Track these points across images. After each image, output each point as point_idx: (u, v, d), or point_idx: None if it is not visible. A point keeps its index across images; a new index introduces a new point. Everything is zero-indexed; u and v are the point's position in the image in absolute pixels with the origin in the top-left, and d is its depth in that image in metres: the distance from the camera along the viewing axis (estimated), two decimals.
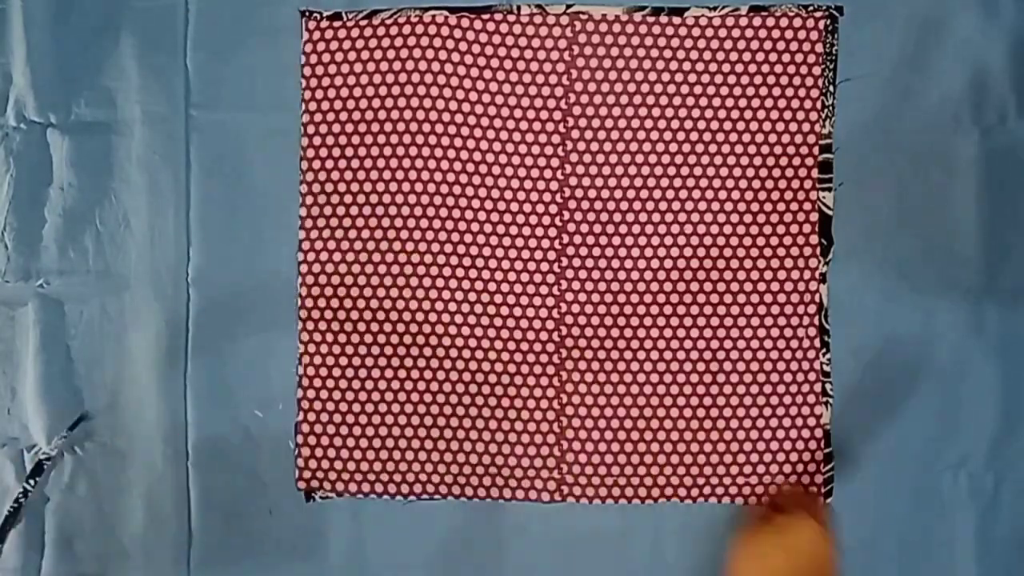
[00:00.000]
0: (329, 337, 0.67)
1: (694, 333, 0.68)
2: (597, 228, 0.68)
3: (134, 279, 0.69)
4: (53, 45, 0.70)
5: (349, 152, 0.67)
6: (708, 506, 0.68)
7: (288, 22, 0.68)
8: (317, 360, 0.68)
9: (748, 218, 0.67)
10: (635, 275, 0.67)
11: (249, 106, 0.69)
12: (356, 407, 0.67)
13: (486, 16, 0.67)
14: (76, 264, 0.70)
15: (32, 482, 0.68)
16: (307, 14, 0.68)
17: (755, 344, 0.68)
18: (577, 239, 0.68)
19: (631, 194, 0.67)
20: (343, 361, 0.67)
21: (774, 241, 0.68)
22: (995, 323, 0.69)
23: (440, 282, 0.67)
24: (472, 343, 0.67)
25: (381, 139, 0.67)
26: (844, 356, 0.68)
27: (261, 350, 0.69)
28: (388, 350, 0.67)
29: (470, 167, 0.67)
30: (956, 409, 0.69)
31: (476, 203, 0.67)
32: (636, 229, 0.68)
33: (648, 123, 0.67)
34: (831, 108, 0.68)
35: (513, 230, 0.67)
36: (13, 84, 0.70)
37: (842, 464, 0.68)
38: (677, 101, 0.67)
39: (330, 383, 0.67)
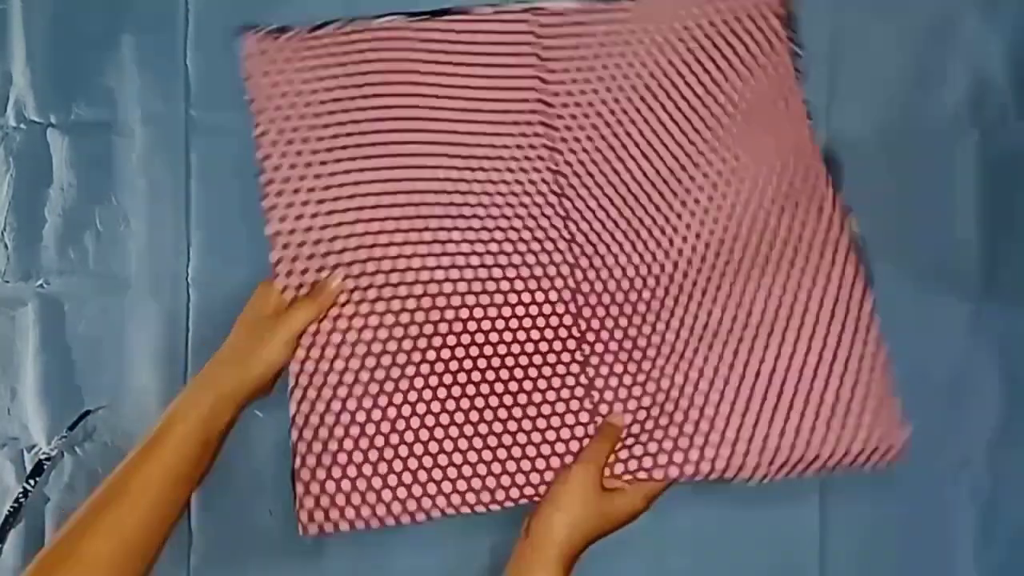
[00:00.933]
0: (322, 345, 0.62)
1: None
2: (601, 214, 0.66)
3: (134, 279, 0.69)
4: (53, 45, 0.70)
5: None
6: (708, 506, 0.68)
7: (289, 22, 0.68)
8: (316, 352, 0.60)
9: None
10: (643, 269, 0.65)
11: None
12: (361, 415, 0.59)
13: (446, 18, 0.65)
14: (76, 264, 0.70)
15: (32, 482, 0.68)
16: (248, 28, 0.63)
17: None
18: (584, 226, 0.65)
19: (627, 178, 0.66)
20: (340, 365, 0.64)
21: None
22: (995, 323, 0.69)
23: (448, 287, 0.62)
24: (488, 350, 0.61)
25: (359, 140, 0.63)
26: None
27: None
28: (393, 345, 0.61)
29: (459, 162, 0.64)
30: (956, 409, 0.69)
31: (472, 199, 0.65)
32: (636, 224, 0.67)
33: (630, 107, 0.66)
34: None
35: (517, 222, 0.65)
36: (13, 84, 0.70)
37: None
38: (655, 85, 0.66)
39: (328, 388, 0.60)
